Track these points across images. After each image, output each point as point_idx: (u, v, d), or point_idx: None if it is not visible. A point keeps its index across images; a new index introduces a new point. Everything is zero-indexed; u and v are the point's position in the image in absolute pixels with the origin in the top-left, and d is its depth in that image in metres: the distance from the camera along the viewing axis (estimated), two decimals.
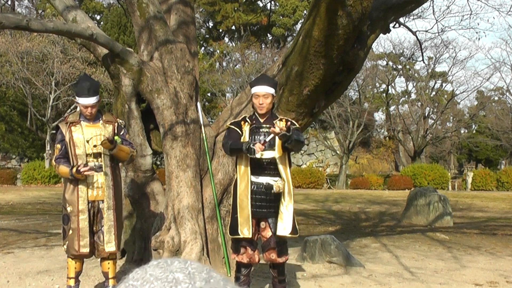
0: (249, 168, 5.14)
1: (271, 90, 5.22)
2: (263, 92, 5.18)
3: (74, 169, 5.19)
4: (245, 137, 5.19)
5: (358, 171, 39.83)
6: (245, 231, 5.10)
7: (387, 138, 45.73)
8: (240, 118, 5.40)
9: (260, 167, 5.14)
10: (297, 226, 5.23)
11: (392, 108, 43.03)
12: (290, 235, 5.15)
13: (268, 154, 5.10)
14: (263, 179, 5.15)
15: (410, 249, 9.23)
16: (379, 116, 47.76)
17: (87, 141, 5.30)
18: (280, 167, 5.12)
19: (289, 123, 5.04)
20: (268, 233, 5.20)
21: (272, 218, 5.16)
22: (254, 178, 5.16)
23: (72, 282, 5.49)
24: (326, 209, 18.84)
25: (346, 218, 15.70)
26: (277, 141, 5.07)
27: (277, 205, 5.15)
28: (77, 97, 5.44)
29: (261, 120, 5.28)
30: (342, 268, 7.19)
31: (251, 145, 4.89)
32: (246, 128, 5.24)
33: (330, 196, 25.34)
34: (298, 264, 7.43)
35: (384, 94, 41.54)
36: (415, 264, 7.85)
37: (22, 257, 8.04)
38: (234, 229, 5.19)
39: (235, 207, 5.20)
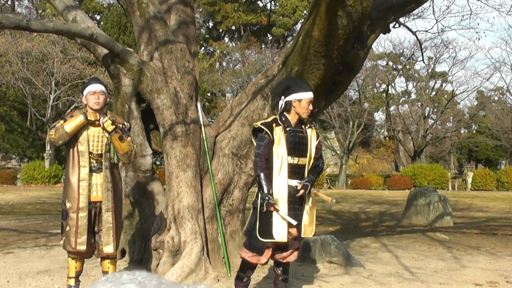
0: (287, 171, 5.00)
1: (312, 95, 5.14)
2: (310, 98, 5.06)
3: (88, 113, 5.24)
4: (279, 143, 4.99)
5: (358, 171, 39.85)
6: (284, 235, 4.93)
7: (387, 138, 45.77)
8: (270, 120, 5.20)
9: (295, 171, 5.05)
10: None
11: (392, 108, 43.09)
12: (311, 236, 5.27)
13: (303, 161, 5.05)
14: (294, 182, 5.04)
15: (410, 249, 9.23)
16: (379, 116, 47.82)
17: (97, 121, 5.30)
18: (306, 171, 5.12)
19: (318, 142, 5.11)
20: (295, 234, 5.12)
21: (300, 219, 5.16)
22: (289, 182, 5.03)
23: (72, 282, 5.49)
24: (326, 209, 18.83)
25: (346, 218, 15.70)
26: (311, 148, 5.07)
27: (303, 207, 5.14)
28: (85, 91, 5.47)
29: (292, 124, 5.10)
30: (342, 268, 7.18)
31: (269, 201, 4.87)
32: (278, 132, 5.02)
33: (330, 196, 25.22)
34: (298, 264, 7.42)
35: (384, 94, 41.57)
36: (415, 264, 7.85)
37: (22, 257, 8.04)
38: (268, 232, 4.95)
39: (269, 211, 4.96)
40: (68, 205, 5.33)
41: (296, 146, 4.99)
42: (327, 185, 33.73)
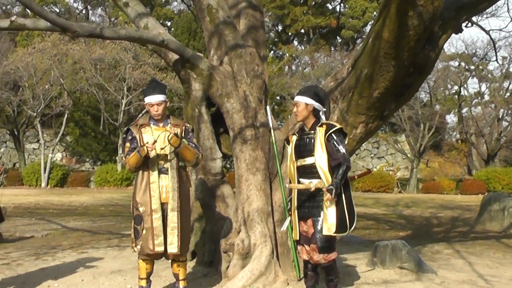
0: (296, 172, 5.53)
1: (303, 99, 5.51)
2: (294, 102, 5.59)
3: (141, 150, 5.34)
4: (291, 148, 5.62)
5: (429, 175, 38.94)
6: (296, 233, 5.57)
7: (460, 141, 44.55)
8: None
9: (303, 171, 5.48)
10: (347, 223, 5.30)
11: (464, 110, 41.91)
12: (335, 234, 5.27)
13: (309, 160, 5.40)
14: (304, 181, 5.45)
15: (484, 256, 8.96)
16: (451, 118, 46.57)
17: (155, 141, 5.39)
18: (319, 170, 5.30)
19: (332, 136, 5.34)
20: (311, 230, 5.40)
21: (316, 216, 5.34)
22: (301, 181, 5.50)
23: (143, 283, 5.60)
24: (397, 213, 18.55)
25: (417, 223, 15.41)
26: (317, 146, 5.35)
27: (317, 204, 5.34)
28: (145, 100, 5.61)
29: (307, 129, 5.56)
30: (414, 274, 7.04)
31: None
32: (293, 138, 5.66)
33: (401, 200, 24.93)
34: (368, 269, 7.33)
35: (456, 96, 40.51)
36: (490, 271, 7.62)
37: (96, 257, 8.27)
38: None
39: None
40: (141, 209, 5.43)
41: (301, 148, 5.46)
42: (398, 189, 33.16)
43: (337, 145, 5.29)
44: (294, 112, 5.61)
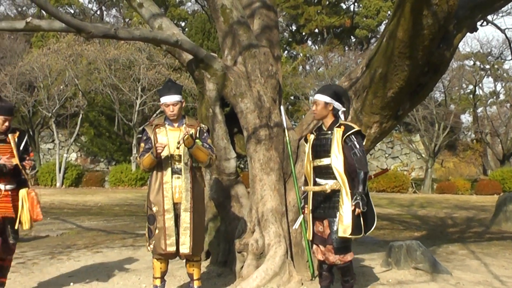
0: (313, 173, 5.50)
1: (323, 98, 5.46)
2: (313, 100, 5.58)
3: (153, 151, 5.36)
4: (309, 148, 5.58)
5: (444, 175, 38.72)
6: (310, 233, 5.56)
7: (475, 141, 44.23)
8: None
9: (319, 171, 5.45)
10: (362, 226, 5.29)
11: (479, 109, 41.62)
12: (350, 236, 5.23)
13: (326, 161, 5.36)
14: (321, 182, 5.42)
15: (500, 257, 8.89)
16: (466, 118, 46.26)
17: (178, 144, 5.39)
18: (335, 171, 5.27)
19: (348, 132, 5.31)
20: (327, 231, 5.38)
21: (331, 217, 5.32)
22: (317, 181, 5.47)
23: (158, 282, 5.62)
24: (411, 214, 18.47)
25: (432, 224, 15.33)
26: (333, 147, 5.31)
27: (333, 205, 5.31)
28: (161, 100, 5.64)
29: (325, 128, 5.51)
30: (428, 275, 7.00)
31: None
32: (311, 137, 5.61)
33: (416, 200, 24.82)
34: (383, 269, 7.31)
35: (471, 95, 40.25)
36: (505, 272, 7.56)
37: (110, 256, 8.31)
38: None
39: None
40: (155, 209, 5.46)
41: (318, 148, 5.43)
42: (412, 189, 33.01)
43: (354, 148, 5.26)
44: (313, 111, 5.59)
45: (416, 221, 16.07)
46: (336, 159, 5.27)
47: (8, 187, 5.44)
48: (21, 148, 5.50)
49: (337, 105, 5.43)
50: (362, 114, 6.70)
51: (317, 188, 5.37)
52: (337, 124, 5.39)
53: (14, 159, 5.36)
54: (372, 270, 7.28)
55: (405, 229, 13.77)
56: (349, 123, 5.48)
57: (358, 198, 5.16)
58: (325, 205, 5.36)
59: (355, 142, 5.28)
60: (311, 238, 5.54)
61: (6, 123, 5.40)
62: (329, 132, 5.40)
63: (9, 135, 5.45)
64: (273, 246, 6.18)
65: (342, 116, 5.48)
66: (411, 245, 7.34)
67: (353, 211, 5.18)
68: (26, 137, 5.63)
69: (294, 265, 6.35)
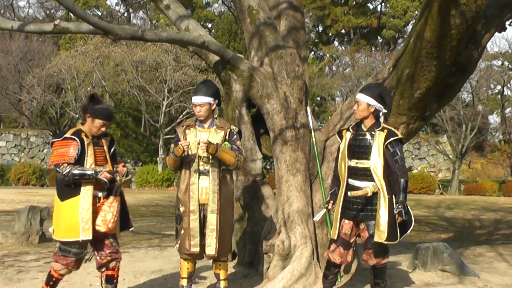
0: (347, 172, 5.39)
1: (366, 99, 5.36)
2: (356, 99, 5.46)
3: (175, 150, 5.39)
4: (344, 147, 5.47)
5: (471, 176, 38.31)
6: (335, 232, 5.44)
7: (503, 142, 43.66)
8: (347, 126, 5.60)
9: (355, 172, 5.37)
10: (397, 233, 5.24)
11: (507, 110, 41.14)
12: (385, 242, 5.20)
13: (365, 163, 5.28)
14: (356, 183, 5.34)
15: None
16: (494, 119, 45.71)
17: (198, 144, 5.42)
18: (374, 174, 5.21)
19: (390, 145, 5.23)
20: (365, 235, 5.34)
21: (369, 221, 5.27)
22: (351, 182, 5.38)
23: (184, 282, 5.63)
24: (438, 215, 18.31)
25: (459, 225, 15.19)
26: (374, 150, 5.23)
27: (372, 208, 5.26)
28: (192, 98, 5.68)
29: (364, 128, 5.41)
30: (456, 277, 6.94)
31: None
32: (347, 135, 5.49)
33: (443, 202, 24.60)
34: (409, 271, 7.26)
35: (499, 96, 39.78)
36: None
37: (137, 256, 8.37)
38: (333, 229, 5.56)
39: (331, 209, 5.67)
40: (181, 209, 5.49)
41: (356, 148, 5.33)
42: (439, 190, 32.73)
43: (396, 155, 5.21)
44: (354, 110, 5.47)
45: (443, 222, 15.94)
46: (376, 163, 5.19)
47: (105, 193, 5.38)
48: (110, 153, 5.43)
49: (379, 107, 5.31)
50: (389, 115, 6.67)
51: (360, 193, 5.24)
52: (379, 127, 5.30)
53: (107, 165, 5.25)
54: (399, 272, 7.23)
55: (432, 230, 13.66)
56: (392, 128, 5.39)
57: (400, 206, 5.13)
58: (363, 207, 5.28)
59: (397, 149, 5.21)
60: (335, 238, 5.42)
61: (103, 128, 5.25)
62: (368, 133, 5.32)
63: (102, 139, 5.37)
64: (299, 247, 6.18)
65: (382, 118, 5.37)
66: (438, 247, 7.29)
67: (390, 217, 5.13)
68: (114, 144, 5.53)
69: (320, 266, 6.32)
